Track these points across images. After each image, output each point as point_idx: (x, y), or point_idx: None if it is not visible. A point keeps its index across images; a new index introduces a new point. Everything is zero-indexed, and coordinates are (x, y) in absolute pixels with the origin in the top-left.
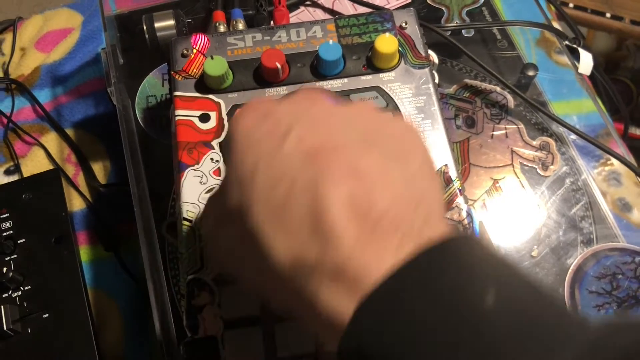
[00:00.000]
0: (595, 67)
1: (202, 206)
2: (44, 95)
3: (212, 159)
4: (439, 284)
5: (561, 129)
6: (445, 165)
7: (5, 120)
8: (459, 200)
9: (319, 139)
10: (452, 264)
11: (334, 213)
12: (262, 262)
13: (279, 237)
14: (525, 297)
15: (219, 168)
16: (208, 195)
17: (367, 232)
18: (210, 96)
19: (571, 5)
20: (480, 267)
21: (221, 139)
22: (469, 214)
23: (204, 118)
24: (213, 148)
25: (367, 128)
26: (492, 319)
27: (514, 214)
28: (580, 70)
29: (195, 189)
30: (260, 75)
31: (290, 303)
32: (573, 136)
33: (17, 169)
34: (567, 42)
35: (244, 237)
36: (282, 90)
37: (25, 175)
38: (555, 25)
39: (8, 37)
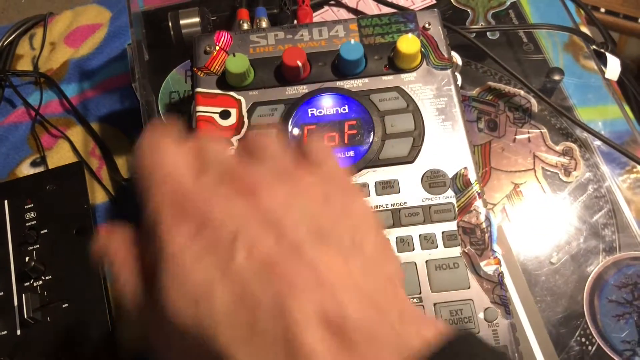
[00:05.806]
0: (625, 73)
1: None
2: (71, 90)
3: None
4: None
5: (585, 135)
6: (465, 167)
7: (33, 113)
8: (478, 203)
9: (269, 244)
10: None
11: (307, 337)
12: None
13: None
14: None
15: None
16: None
17: (345, 350)
18: (232, 93)
19: (602, 10)
20: None
21: (241, 135)
22: (487, 218)
23: (225, 115)
24: (232, 145)
25: (316, 213)
26: None
27: (535, 219)
28: (607, 76)
29: None
30: (281, 74)
31: None
32: (597, 142)
33: (42, 161)
34: (594, 47)
35: (208, 356)
36: (303, 88)
37: (50, 167)
38: (585, 30)
39: (39, 31)
